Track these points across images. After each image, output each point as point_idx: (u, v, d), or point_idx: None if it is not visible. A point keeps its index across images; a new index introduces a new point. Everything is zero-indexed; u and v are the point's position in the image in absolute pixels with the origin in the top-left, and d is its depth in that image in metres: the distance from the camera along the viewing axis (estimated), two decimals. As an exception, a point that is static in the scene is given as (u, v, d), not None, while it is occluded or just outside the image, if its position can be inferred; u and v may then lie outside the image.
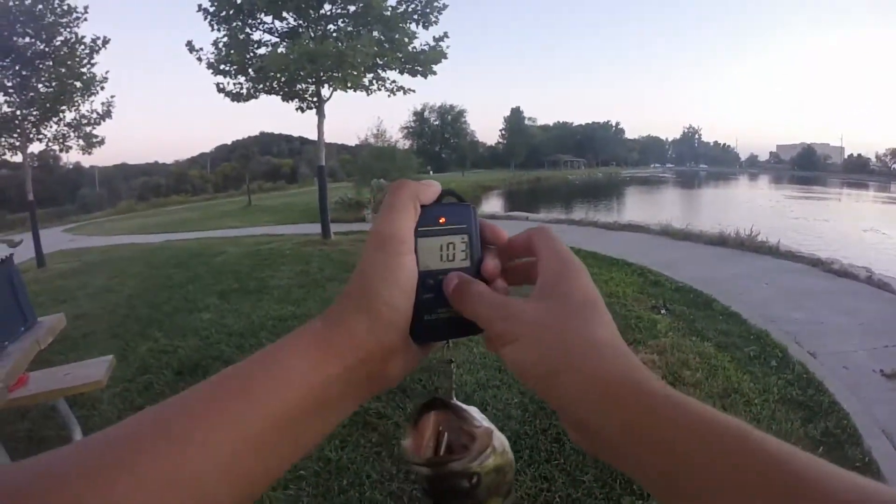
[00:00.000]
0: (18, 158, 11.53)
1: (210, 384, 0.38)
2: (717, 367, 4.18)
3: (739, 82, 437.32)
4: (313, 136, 11.80)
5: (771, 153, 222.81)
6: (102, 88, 11.87)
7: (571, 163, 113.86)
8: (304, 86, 11.16)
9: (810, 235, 16.13)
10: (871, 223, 22.01)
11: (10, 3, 10.14)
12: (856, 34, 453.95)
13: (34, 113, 11.09)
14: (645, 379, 0.35)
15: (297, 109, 11.53)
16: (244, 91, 11.25)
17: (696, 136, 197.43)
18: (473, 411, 0.56)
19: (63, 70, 10.95)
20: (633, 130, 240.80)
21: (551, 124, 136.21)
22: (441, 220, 0.47)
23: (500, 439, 0.55)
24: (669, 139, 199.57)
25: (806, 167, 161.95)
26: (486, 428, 0.53)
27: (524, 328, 0.40)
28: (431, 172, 62.95)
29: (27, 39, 10.56)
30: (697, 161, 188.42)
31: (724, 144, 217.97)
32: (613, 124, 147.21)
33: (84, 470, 0.31)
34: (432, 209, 0.48)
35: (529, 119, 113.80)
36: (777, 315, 5.78)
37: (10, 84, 10.64)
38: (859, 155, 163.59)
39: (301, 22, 10.99)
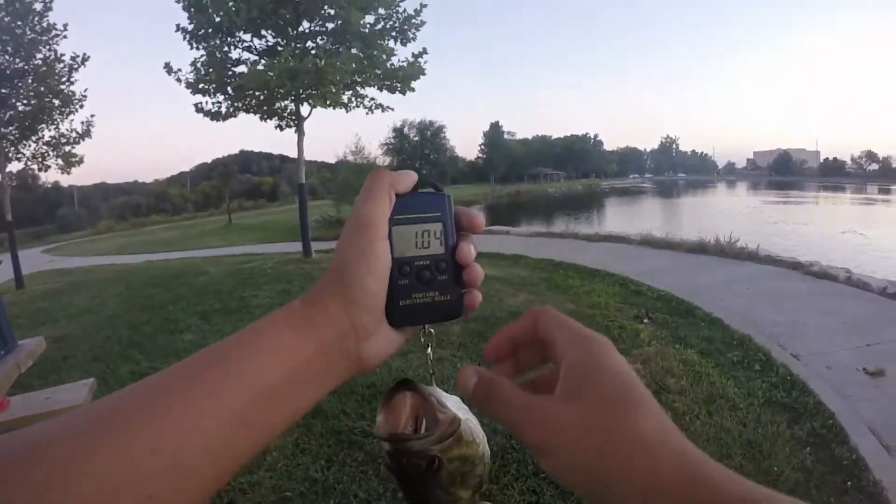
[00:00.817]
0: (-3, 177, 11.37)
1: (191, 361, 0.39)
2: (702, 373, 4.20)
3: (715, 91, 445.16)
4: (294, 153, 11.78)
5: (748, 160, 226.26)
6: (82, 107, 11.83)
7: (551, 176, 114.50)
8: (283, 104, 11.15)
9: (789, 239, 16.32)
10: (849, 225, 22.37)
11: None
12: (829, 40, 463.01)
13: (13, 131, 11.02)
14: (706, 475, 0.32)
15: (276, 128, 11.53)
16: (223, 110, 11.20)
17: (674, 146, 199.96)
18: (450, 400, 0.57)
19: (42, 88, 10.91)
20: (612, 142, 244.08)
21: (530, 138, 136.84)
22: (416, 209, 0.49)
23: (473, 430, 0.58)
24: (648, 150, 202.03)
25: (783, 172, 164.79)
26: (452, 415, 0.54)
27: (560, 437, 0.37)
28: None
29: (6, 57, 10.50)
30: (676, 170, 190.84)
31: (702, 153, 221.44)
32: (592, 136, 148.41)
33: (68, 438, 0.32)
34: (408, 198, 0.49)
35: (509, 133, 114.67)
36: (759, 319, 5.83)
37: None
38: (835, 158, 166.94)
39: (280, 40, 10.97)
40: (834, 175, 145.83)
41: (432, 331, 0.53)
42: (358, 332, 0.44)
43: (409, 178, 0.49)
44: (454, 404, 0.57)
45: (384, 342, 0.47)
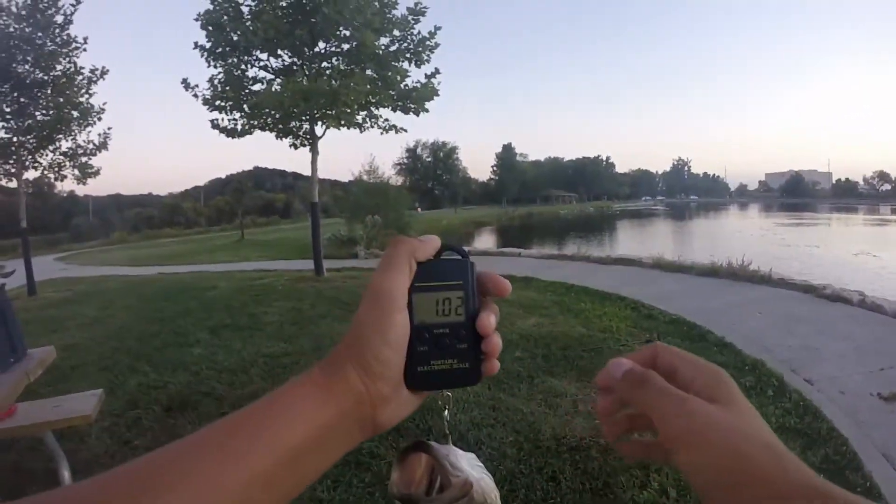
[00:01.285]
0: (13, 185, 11.53)
1: (221, 425, 0.41)
2: (713, 398, 4.14)
3: (727, 113, 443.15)
4: (307, 171, 11.83)
5: (760, 182, 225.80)
6: (100, 119, 11.95)
7: (563, 198, 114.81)
8: (298, 123, 11.22)
9: (802, 262, 16.19)
10: (862, 246, 22.17)
11: (11, 31, 10.26)
12: (841, 62, 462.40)
13: (31, 140, 11.18)
14: (822, 484, 0.35)
15: (290, 146, 11.58)
16: (239, 127, 11.30)
17: (686, 168, 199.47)
18: (464, 459, 0.58)
19: (61, 99, 11.07)
20: (624, 164, 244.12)
21: (542, 160, 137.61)
22: (438, 276, 0.49)
23: (485, 490, 0.57)
24: (660, 172, 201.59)
25: (795, 194, 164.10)
26: (464, 478, 0.54)
27: (708, 431, 0.39)
28: (420, 210, 63.07)
29: (26, 67, 10.65)
30: (688, 192, 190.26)
31: (714, 175, 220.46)
32: (604, 159, 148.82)
33: (103, 500, 0.35)
34: (431, 265, 0.50)
35: (521, 155, 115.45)
36: (772, 343, 5.78)
37: (7, 110, 10.73)
38: (847, 179, 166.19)
39: (296, 60, 11.09)
40: (846, 196, 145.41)
41: (449, 394, 0.55)
42: (374, 399, 0.45)
43: (430, 245, 0.50)
44: (469, 462, 0.58)
45: (400, 406, 0.48)
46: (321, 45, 10.90)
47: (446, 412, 0.56)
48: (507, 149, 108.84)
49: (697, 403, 0.40)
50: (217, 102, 10.83)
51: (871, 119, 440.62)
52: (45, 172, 12.01)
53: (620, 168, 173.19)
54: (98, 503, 0.34)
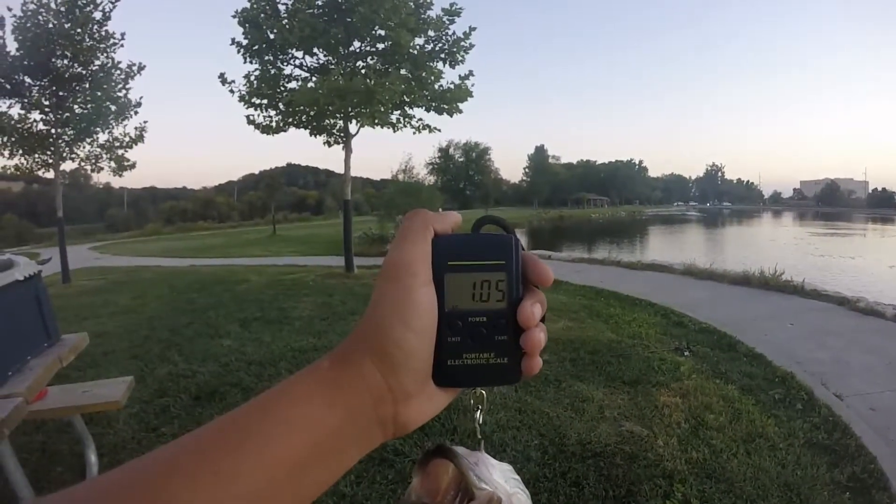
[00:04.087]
0: (50, 175, 11.83)
1: (204, 434, 0.34)
2: (742, 410, 4.07)
3: (761, 119, 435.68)
4: (339, 169, 11.93)
5: (794, 189, 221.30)
6: (136, 113, 12.23)
7: (595, 201, 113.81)
8: (332, 121, 11.34)
9: (836, 273, 15.87)
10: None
11: (50, 27, 10.51)
12: (876, 68, 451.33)
13: (69, 132, 11.51)
14: None
15: (324, 144, 11.70)
16: (273, 124, 11.46)
17: (720, 174, 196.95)
18: (497, 470, 0.50)
19: (99, 93, 11.36)
20: (657, 169, 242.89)
21: (575, 163, 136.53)
22: (476, 254, 0.43)
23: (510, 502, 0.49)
24: (693, 177, 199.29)
25: (830, 203, 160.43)
26: (490, 493, 0.46)
27: None
28: (440, 210, 63.30)
29: (65, 61, 10.91)
30: (721, 199, 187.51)
31: (748, 182, 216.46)
32: (637, 163, 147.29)
33: (132, 489, 0.31)
34: (467, 240, 0.43)
35: (553, 157, 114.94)
36: (802, 356, 5.66)
37: (46, 103, 11.00)
38: (884, 189, 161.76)
39: (331, 58, 11.21)
40: (883, 206, 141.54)
41: (483, 392, 0.49)
42: (396, 395, 0.39)
43: (449, 219, 0.44)
44: (502, 474, 0.51)
45: (427, 403, 0.42)
46: (356, 44, 11.00)
47: (479, 414, 0.50)
48: (540, 150, 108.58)
49: None
50: (253, 99, 10.99)
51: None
52: (82, 164, 12.33)
53: (653, 172, 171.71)
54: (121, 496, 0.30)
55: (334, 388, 0.37)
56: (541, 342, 0.42)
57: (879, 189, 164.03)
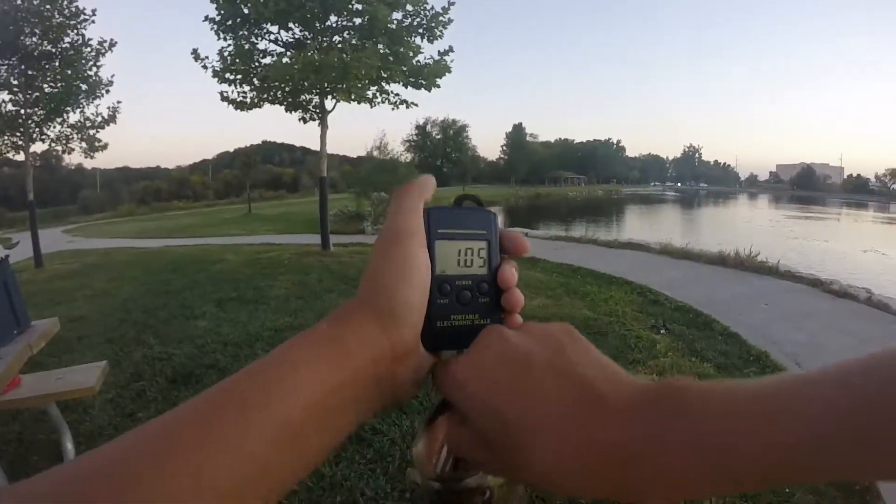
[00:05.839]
0: (20, 157, 11.61)
1: (201, 402, 0.33)
2: (717, 388, 4.13)
3: (739, 102, 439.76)
4: (315, 146, 11.81)
5: (771, 173, 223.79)
6: (108, 92, 11.96)
7: (572, 180, 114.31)
8: (307, 96, 11.19)
9: (810, 255, 16.11)
10: (871, 243, 22.08)
11: (19, 2, 10.20)
12: (855, 55, 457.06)
13: (38, 113, 11.20)
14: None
15: (300, 120, 11.55)
16: (248, 100, 11.28)
17: (697, 156, 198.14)
18: None
19: (69, 71, 11.02)
20: (634, 149, 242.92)
21: (553, 141, 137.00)
22: (460, 224, 0.46)
23: None
24: (670, 158, 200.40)
25: (805, 187, 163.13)
26: None
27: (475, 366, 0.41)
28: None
29: (34, 39, 10.61)
30: (697, 180, 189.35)
31: (724, 164, 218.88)
32: (615, 142, 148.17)
33: (128, 462, 0.29)
34: (453, 213, 0.47)
35: (531, 135, 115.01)
36: (777, 336, 5.75)
37: (15, 82, 10.74)
38: (858, 175, 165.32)
39: (306, 33, 11.02)
40: (857, 192, 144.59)
41: None
42: (396, 352, 0.39)
43: (431, 184, 0.47)
44: None
45: (419, 366, 0.42)
46: (333, 18, 10.81)
47: None
48: (518, 128, 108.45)
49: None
50: (227, 75, 10.78)
51: (886, 115, 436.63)
52: (53, 145, 12.07)
53: (631, 152, 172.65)
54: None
55: (334, 345, 0.37)
56: (520, 301, 0.47)
57: (854, 175, 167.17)
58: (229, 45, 10.76)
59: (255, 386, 0.34)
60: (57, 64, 10.94)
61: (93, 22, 11.23)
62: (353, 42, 10.85)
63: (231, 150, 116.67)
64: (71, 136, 11.96)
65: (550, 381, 0.36)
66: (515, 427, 0.35)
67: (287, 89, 10.76)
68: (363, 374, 0.37)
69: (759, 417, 0.29)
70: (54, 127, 11.70)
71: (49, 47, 10.77)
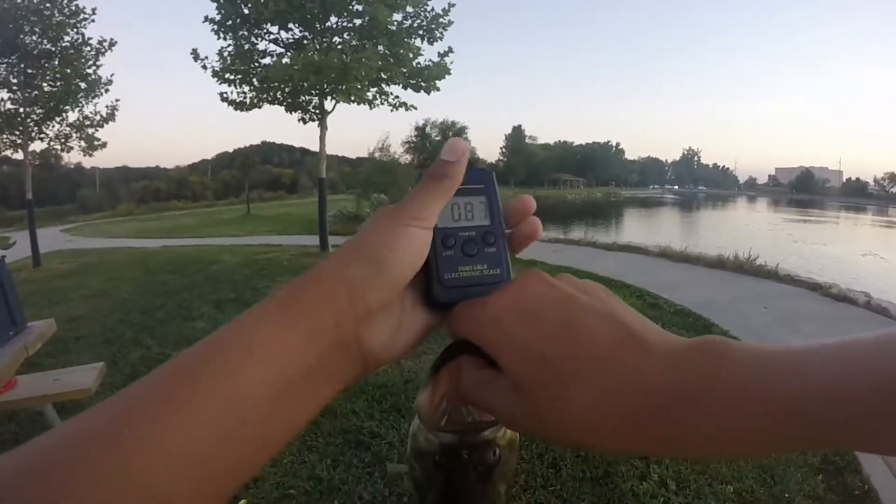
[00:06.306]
0: (19, 156, 11.57)
1: (157, 376, 0.30)
2: (716, 392, 4.12)
3: (739, 105, 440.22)
4: (315, 147, 11.78)
5: (770, 176, 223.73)
6: (107, 90, 11.95)
7: (571, 182, 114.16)
8: (307, 97, 11.18)
9: (809, 259, 16.10)
10: (870, 247, 22.08)
11: (19, 1, 10.19)
12: (854, 60, 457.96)
13: (37, 111, 11.19)
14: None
15: (299, 121, 11.54)
16: (247, 100, 11.28)
17: (696, 158, 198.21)
18: None
19: (68, 70, 11.01)
20: (633, 151, 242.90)
21: (552, 143, 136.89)
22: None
23: None
24: (669, 161, 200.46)
25: (804, 190, 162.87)
26: None
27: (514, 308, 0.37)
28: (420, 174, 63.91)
29: (34, 37, 10.61)
30: (696, 183, 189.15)
31: (723, 167, 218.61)
32: (614, 145, 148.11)
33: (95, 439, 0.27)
34: None
35: (530, 137, 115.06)
36: (776, 340, 5.67)
37: (14, 81, 10.73)
38: (857, 179, 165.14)
39: (306, 34, 11.02)
40: (856, 195, 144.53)
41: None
42: (357, 310, 0.33)
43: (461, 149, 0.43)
44: None
45: (396, 327, 0.37)
46: (333, 19, 10.80)
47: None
48: (517, 130, 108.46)
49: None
50: (226, 75, 10.77)
51: (885, 119, 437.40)
52: (52, 144, 12.05)
53: (630, 155, 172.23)
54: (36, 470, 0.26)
55: (291, 307, 0.32)
56: (539, 226, 0.46)
57: (853, 179, 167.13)
58: (229, 45, 10.77)
59: (210, 357, 0.30)
60: (56, 63, 10.93)
61: (93, 21, 11.24)
62: (354, 43, 10.85)
63: (230, 150, 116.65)
64: (70, 135, 11.95)
65: (595, 321, 0.34)
66: (556, 367, 0.33)
67: (287, 90, 10.75)
68: (325, 336, 0.32)
69: (811, 373, 0.29)
70: (53, 126, 11.70)
71: (49, 46, 10.76)
